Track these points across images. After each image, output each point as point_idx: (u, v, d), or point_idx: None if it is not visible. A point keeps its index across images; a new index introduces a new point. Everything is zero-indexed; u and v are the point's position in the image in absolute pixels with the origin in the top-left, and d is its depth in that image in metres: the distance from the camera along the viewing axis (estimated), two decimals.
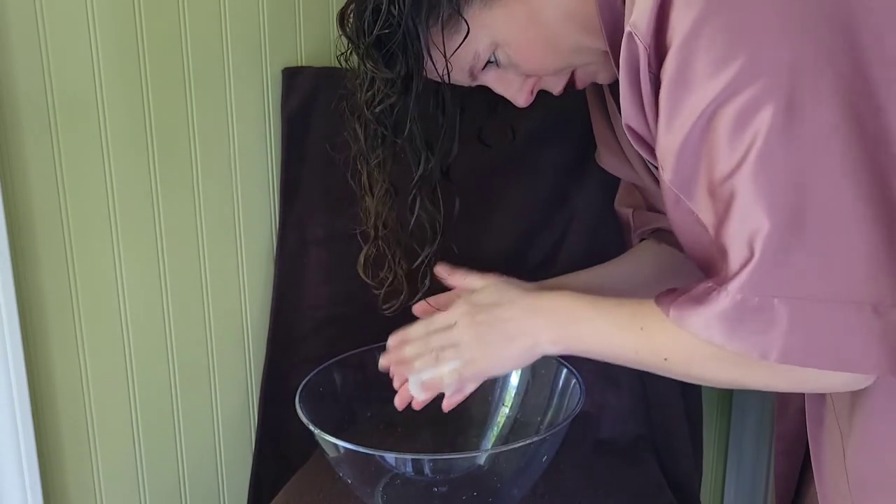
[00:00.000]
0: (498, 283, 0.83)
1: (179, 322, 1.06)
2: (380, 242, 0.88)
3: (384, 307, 0.89)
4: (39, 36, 0.92)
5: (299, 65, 1.07)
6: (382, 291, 0.88)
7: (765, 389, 0.70)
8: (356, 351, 0.96)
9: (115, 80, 0.96)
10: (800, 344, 0.61)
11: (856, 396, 0.71)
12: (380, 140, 0.83)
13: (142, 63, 0.98)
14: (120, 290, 1.02)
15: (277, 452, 1.11)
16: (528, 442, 0.81)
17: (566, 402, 0.89)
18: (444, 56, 0.76)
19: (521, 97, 0.82)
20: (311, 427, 0.81)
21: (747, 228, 0.61)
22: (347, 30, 0.80)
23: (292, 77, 1.05)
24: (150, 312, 1.04)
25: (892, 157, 0.60)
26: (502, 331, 0.79)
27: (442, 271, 0.88)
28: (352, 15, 0.78)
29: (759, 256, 0.61)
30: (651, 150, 0.71)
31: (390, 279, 0.88)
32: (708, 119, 0.61)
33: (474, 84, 0.82)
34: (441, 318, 0.83)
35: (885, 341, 0.60)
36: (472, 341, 0.79)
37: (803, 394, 0.82)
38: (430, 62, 0.77)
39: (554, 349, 0.78)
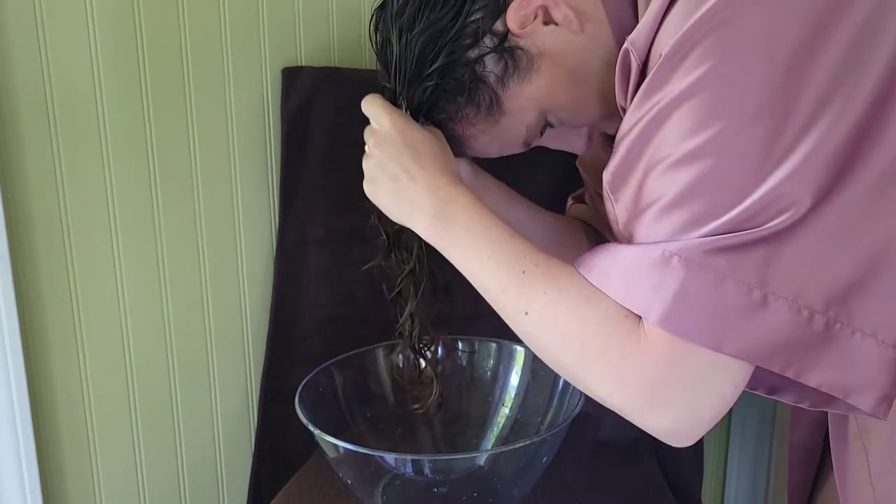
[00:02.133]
0: (433, 136, 0.77)
1: (179, 322, 1.06)
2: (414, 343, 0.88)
3: (416, 407, 0.90)
4: (39, 36, 0.92)
5: (299, 65, 1.07)
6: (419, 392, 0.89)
7: (594, 388, 0.64)
8: (356, 351, 0.96)
9: (115, 80, 0.96)
10: (685, 311, 0.57)
11: None
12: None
13: (141, 63, 0.98)
14: (120, 290, 1.02)
15: (277, 452, 1.11)
16: (528, 442, 0.81)
17: (566, 402, 0.89)
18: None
19: (580, 146, 0.83)
20: (311, 427, 0.81)
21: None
22: None
23: (292, 77, 1.05)
24: (150, 312, 1.04)
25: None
26: (393, 185, 0.75)
27: None
28: None
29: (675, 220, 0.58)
30: None
31: (427, 378, 0.89)
32: (664, 110, 0.60)
33: (525, 150, 0.83)
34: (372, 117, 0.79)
35: (757, 327, 0.57)
36: (369, 171, 0.77)
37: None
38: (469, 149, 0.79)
39: (423, 236, 0.74)
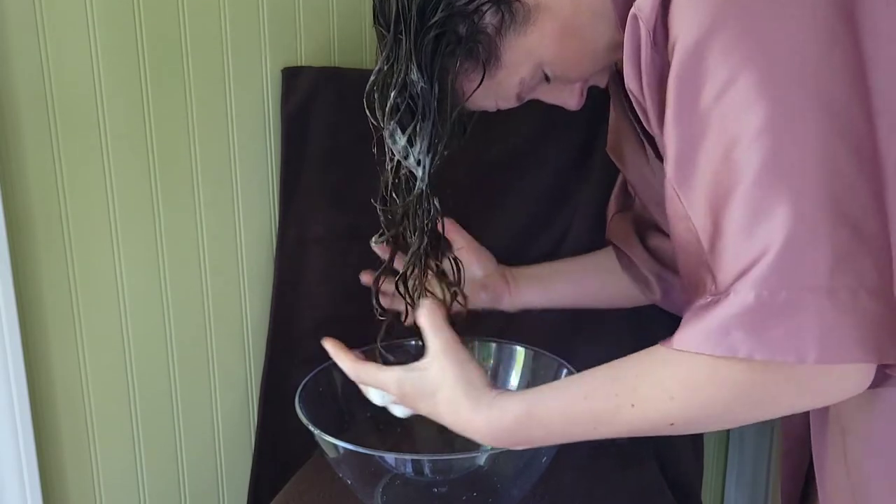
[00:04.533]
0: (434, 376, 0.76)
1: (179, 322, 1.06)
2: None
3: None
4: (39, 37, 0.92)
5: (299, 65, 1.07)
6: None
7: (789, 412, 0.64)
8: (356, 351, 0.96)
9: (115, 80, 0.96)
10: (839, 338, 0.56)
11: (862, 396, 0.70)
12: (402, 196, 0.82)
13: (141, 63, 0.98)
14: (120, 290, 1.02)
15: (277, 452, 1.11)
16: None
17: None
18: (461, 100, 0.77)
19: (573, 101, 0.83)
20: (311, 427, 0.81)
21: (758, 218, 0.58)
22: (376, 111, 0.79)
23: (292, 77, 1.05)
24: (150, 313, 1.04)
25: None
26: (447, 422, 0.76)
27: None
28: (376, 91, 0.78)
29: (782, 247, 0.57)
30: (647, 117, 0.70)
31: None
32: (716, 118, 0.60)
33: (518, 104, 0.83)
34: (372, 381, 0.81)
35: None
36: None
37: None
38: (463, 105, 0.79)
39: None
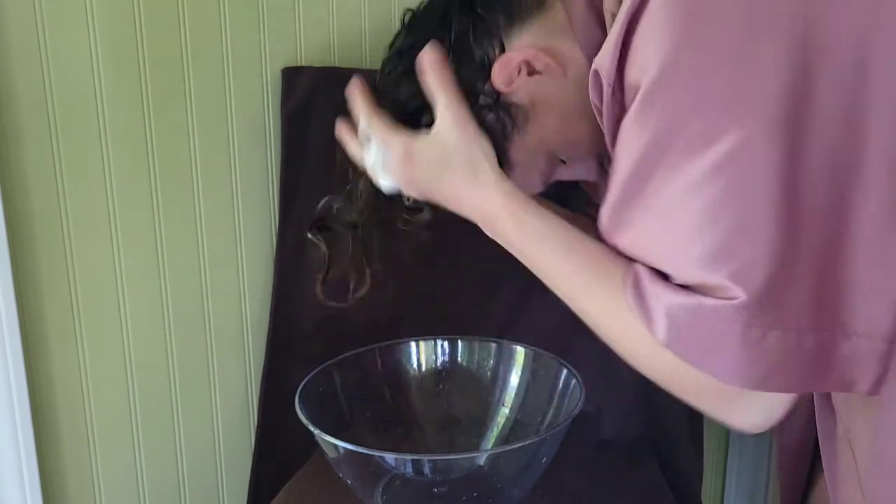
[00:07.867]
0: (447, 143, 0.73)
1: (179, 322, 1.06)
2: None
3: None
4: (39, 37, 0.92)
5: (299, 65, 1.07)
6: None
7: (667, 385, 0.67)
8: (356, 351, 0.96)
9: (115, 80, 0.96)
10: (682, 333, 0.60)
11: (867, 412, 0.70)
12: None
13: (141, 63, 0.98)
14: (120, 290, 1.02)
15: (277, 452, 1.11)
16: (528, 442, 0.81)
17: (566, 402, 0.89)
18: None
19: (592, 174, 0.84)
20: (311, 427, 0.81)
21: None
22: None
23: (292, 77, 1.05)
24: (150, 312, 1.04)
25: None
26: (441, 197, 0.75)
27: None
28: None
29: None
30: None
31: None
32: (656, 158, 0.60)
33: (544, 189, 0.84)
34: (376, 137, 0.78)
35: (754, 352, 0.59)
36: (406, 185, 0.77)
37: (808, 407, 0.81)
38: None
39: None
